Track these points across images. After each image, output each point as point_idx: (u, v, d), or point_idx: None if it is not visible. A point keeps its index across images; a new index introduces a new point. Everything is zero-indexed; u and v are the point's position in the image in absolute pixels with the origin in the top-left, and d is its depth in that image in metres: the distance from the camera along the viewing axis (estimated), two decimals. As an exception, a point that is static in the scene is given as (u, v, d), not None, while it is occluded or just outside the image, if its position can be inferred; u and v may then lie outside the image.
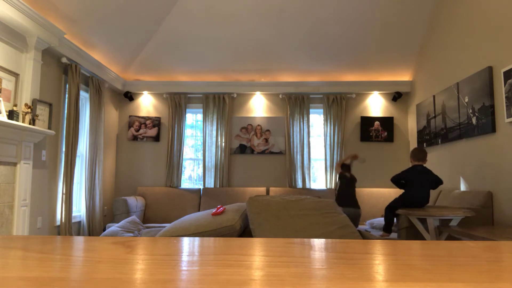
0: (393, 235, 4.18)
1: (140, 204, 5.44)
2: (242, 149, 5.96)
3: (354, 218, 4.12)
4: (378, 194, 5.53)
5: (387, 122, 5.89)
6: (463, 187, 4.17)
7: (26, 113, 3.60)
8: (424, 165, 3.65)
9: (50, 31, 3.90)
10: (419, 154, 3.65)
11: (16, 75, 3.63)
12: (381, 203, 5.46)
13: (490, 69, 3.66)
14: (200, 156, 6.21)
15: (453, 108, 4.33)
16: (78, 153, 4.75)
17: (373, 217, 5.30)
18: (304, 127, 5.88)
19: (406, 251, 0.56)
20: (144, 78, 6.05)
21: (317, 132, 6.20)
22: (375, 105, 6.00)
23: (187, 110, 6.10)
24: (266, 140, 5.96)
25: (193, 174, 6.34)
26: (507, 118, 3.38)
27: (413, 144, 5.67)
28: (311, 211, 3.00)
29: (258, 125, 5.99)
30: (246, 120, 6.01)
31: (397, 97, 5.87)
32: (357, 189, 5.13)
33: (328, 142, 5.84)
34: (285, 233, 2.55)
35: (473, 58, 4.01)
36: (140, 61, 5.70)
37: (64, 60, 4.36)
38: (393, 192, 5.56)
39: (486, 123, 3.67)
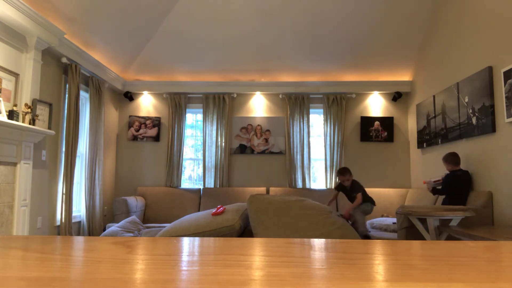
0: (393, 235, 4.19)
1: (140, 204, 5.44)
2: (242, 149, 5.96)
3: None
4: (378, 194, 5.53)
5: (387, 122, 5.89)
6: (463, 187, 4.17)
7: (26, 113, 3.60)
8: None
9: (50, 31, 3.90)
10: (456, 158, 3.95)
11: (16, 75, 3.63)
12: (381, 203, 5.46)
13: (490, 69, 3.66)
14: (200, 156, 6.21)
15: (453, 108, 4.33)
16: (78, 153, 4.75)
17: (373, 217, 5.30)
18: (304, 127, 5.88)
19: (406, 251, 0.56)
20: (144, 78, 6.05)
21: (317, 132, 6.20)
22: (375, 105, 6.00)
23: (187, 110, 6.10)
24: (266, 140, 5.96)
25: (193, 174, 6.34)
26: (507, 118, 3.38)
27: (413, 144, 5.67)
28: (311, 211, 3.00)
29: (258, 125, 5.99)
30: (246, 120, 6.01)
31: (397, 97, 5.87)
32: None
33: (328, 142, 5.84)
34: (285, 232, 2.55)
35: (473, 58, 4.01)
36: (140, 61, 5.70)
37: (64, 60, 4.36)
38: (393, 192, 5.56)
39: (486, 123, 3.67)
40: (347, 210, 4.04)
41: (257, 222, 2.72)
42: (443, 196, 4.00)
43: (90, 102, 4.96)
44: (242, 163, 5.97)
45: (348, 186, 4.22)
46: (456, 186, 3.82)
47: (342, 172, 4.19)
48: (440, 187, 3.92)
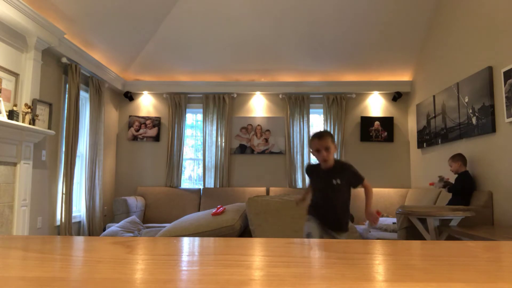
0: (393, 235, 4.18)
1: (140, 204, 5.44)
2: (242, 149, 5.96)
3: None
4: (378, 194, 5.53)
5: (387, 122, 5.88)
6: (463, 187, 4.17)
7: (26, 113, 3.60)
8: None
9: (50, 31, 3.90)
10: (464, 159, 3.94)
11: (16, 75, 3.63)
12: (381, 203, 5.46)
13: (490, 69, 3.66)
14: (200, 156, 6.21)
15: (453, 108, 4.33)
16: (78, 153, 4.75)
17: (373, 217, 5.30)
18: (304, 127, 5.88)
19: (406, 251, 0.56)
20: (144, 78, 6.05)
21: (317, 132, 6.19)
22: (375, 105, 6.00)
23: (187, 110, 6.10)
24: (266, 140, 5.96)
25: (193, 174, 6.33)
26: (507, 118, 3.38)
27: (413, 144, 5.66)
28: (311, 211, 2.99)
29: (258, 125, 5.99)
30: (246, 120, 6.01)
31: (397, 97, 5.87)
32: (358, 190, 4.83)
33: (328, 142, 5.83)
34: (285, 233, 2.55)
35: (473, 58, 4.01)
36: (140, 61, 5.70)
37: (64, 60, 4.36)
38: (393, 192, 5.56)
39: (486, 123, 3.67)
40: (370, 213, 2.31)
41: (255, 225, 2.72)
42: (447, 196, 3.99)
43: (90, 102, 4.95)
44: (242, 163, 5.96)
45: (328, 165, 2.26)
46: (468, 186, 3.80)
47: (319, 135, 2.26)
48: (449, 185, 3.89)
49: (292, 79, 6.00)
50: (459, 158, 3.89)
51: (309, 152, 2.17)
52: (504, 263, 0.50)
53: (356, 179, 2.31)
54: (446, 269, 0.44)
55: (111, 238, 0.64)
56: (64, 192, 4.31)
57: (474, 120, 3.90)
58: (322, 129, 2.60)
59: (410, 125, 5.85)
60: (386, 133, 5.87)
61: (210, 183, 5.84)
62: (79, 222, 4.82)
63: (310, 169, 2.42)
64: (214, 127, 5.92)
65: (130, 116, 6.05)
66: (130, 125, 6.03)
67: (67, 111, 4.39)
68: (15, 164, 3.56)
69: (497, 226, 3.51)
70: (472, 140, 4.01)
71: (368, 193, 2.36)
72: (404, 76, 5.87)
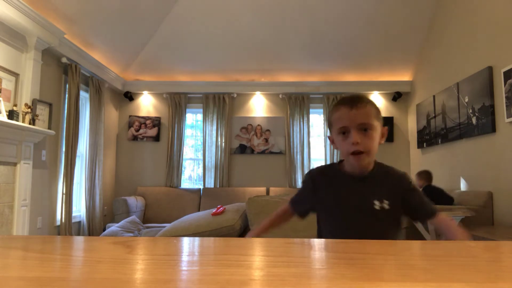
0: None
1: (140, 204, 5.44)
2: (242, 149, 5.96)
3: None
4: (378, 194, 5.53)
5: (387, 122, 5.88)
6: (463, 187, 4.17)
7: (26, 113, 3.60)
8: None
9: (50, 31, 3.90)
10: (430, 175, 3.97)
11: (16, 75, 3.63)
12: (381, 203, 5.46)
13: (490, 69, 3.66)
14: (200, 156, 6.21)
15: (453, 108, 4.33)
16: (78, 153, 4.75)
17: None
18: (304, 127, 5.88)
19: (406, 251, 0.56)
20: (144, 78, 6.05)
21: (317, 132, 6.20)
22: (375, 105, 5.99)
23: (187, 110, 6.10)
24: (266, 140, 5.96)
25: (193, 174, 6.33)
26: (507, 118, 3.38)
27: (413, 144, 5.66)
28: (311, 211, 2.99)
29: (258, 125, 5.99)
30: (246, 120, 6.00)
31: (397, 97, 5.87)
32: None
33: (328, 142, 5.84)
34: (285, 233, 2.55)
35: (473, 58, 4.01)
36: (140, 61, 5.70)
37: (64, 60, 4.35)
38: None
39: (486, 123, 3.67)
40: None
41: (255, 224, 2.71)
42: None
43: (90, 102, 4.95)
44: (242, 163, 5.96)
45: (363, 168, 1.11)
46: (433, 198, 3.80)
47: (353, 101, 1.11)
48: None
49: (292, 79, 6.00)
50: (423, 176, 3.97)
51: (330, 140, 1.13)
52: (504, 263, 0.50)
53: (425, 205, 1.14)
54: (446, 269, 0.44)
55: (111, 238, 0.64)
56: (64, 192, 4.31)
57: (474, 120, 3.90)
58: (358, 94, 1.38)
59: (410, 125, 5.85)
60: (386, 133, 5.87)
61: (210, 183, 5.84)
62: (79, 222, 4.82)
63: (318, 174, 1.22)
64: (214, 127, 5.92)
65: (130, 116, 6.05)
66: (130, 125, 6.03)
67: (67, 111, 4.39)
68: (15, 164, 3.56)
69: (497, 226, 3.51)
70: (472, 140, 4.01)
71: (450, 231, 1.09)
72: (404, 76, 5.87)
